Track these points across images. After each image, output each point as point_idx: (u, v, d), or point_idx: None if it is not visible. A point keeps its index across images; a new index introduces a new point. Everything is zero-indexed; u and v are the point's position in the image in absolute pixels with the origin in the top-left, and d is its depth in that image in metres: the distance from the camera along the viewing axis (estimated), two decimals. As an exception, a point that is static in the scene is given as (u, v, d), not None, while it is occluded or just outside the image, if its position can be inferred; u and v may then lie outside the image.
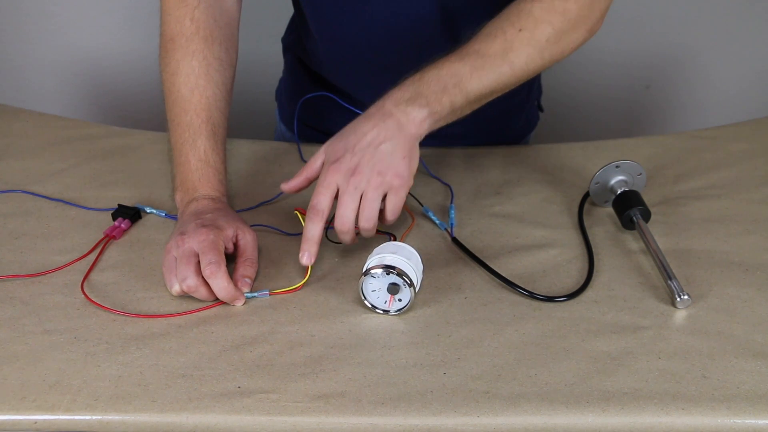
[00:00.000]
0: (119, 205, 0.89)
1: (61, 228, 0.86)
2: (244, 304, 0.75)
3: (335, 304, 0.75)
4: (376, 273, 0.72)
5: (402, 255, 0.73)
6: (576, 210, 0.90)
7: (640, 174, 0.88)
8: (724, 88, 1.78)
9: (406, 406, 0.63)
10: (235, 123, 0.91)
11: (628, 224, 0.85)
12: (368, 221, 0.75)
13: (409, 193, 0.91)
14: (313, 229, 0.75)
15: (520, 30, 0.77)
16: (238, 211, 0.87)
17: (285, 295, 0.76)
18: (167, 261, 0.75)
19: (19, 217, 0.88)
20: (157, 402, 0.64)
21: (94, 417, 0.63)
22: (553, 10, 0.78)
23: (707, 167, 0.99)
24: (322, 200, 0.75)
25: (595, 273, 0.79)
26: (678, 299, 0.74)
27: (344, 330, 0.72)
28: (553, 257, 0.82)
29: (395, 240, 0.82)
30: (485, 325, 0.72)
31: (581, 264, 0.81)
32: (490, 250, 0.83)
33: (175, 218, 0.87)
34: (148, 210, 0.89)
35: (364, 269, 0.73)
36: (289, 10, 1.06)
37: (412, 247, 0.76)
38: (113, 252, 0.83)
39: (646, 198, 0.86)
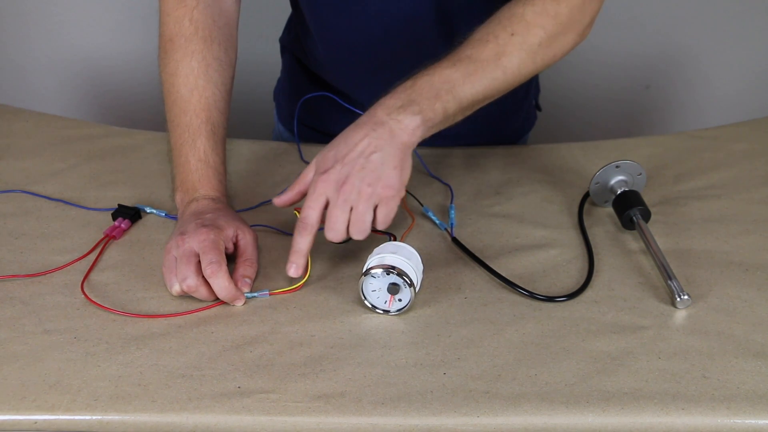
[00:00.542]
0: (119, 205, 0.89)
1: (61, 228, 0.86)
2: (244, 304, 0.75)
3: (335, 304, 0.75)
4: (376, 273, 0.72)
5: (402, 255, 0.73)
6: (576, 210, 0.90)
7: (640, 174, 0.88)
8: (724, 88, 1.78)
9: (406, 406, 0.63)
10: (234, 123, 0.91)
11: (628, 224, 0.85)
12: (360, 233, 0.74)
13: (410, 193, 0.92)
14: (301, 242, 0.74)
15: (513, 34, 0.77)
16: (238, 211, 0.87)
17: (285, 295, 0.76)
18: (167, 261, 0.75)
19: (19, 217, 0.88)
20: (157, 402, 0.64)
21: (94, 417, 0.63)
22: (545, 13, 0.77)
23: (707, 167, 0.99)
24: (311, 214, 0.74)
25: (595, 273, 0.79)
26: (678, 299, 0.74)
27: (344, 330, 0.72)
28: (553, 257, 0.82)
29: (395, 240, 0.81)
30: (485, 325, 0.72)
31: (581, 264, 0.81)
32: (490, 250, 0.83)
33: (175, 218, 0.87)
34: (148, 210, 0.89)
35: (364, 269, 0.73)
36: (287, 10, 1.06)
37: (412, 247, 0.76)
38: (113, 252, 0.83)
39: (646, 198, 0.86)
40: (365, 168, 0.72)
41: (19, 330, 0.71)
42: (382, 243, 0.77)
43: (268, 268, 0.80)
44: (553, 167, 0.99)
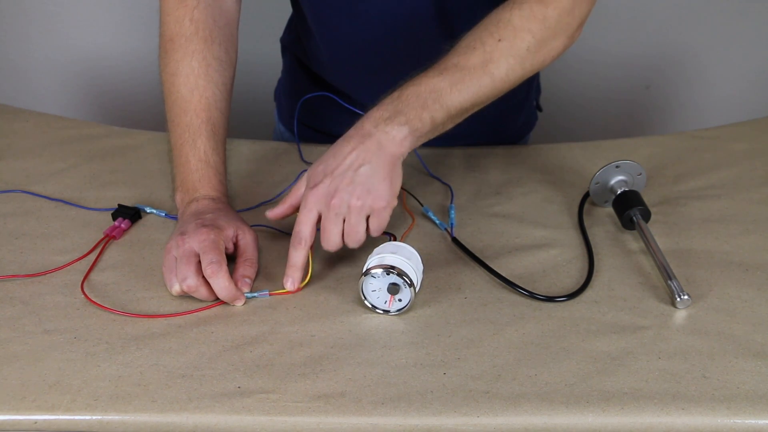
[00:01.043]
0: (119, 205, 0.89)
1: (61, 228, 0.86)
2: (244, 304, 0.75)
3: (335, 304, 0.75)
4: (376, 273, 0.72)
5: (402, 255, 0.73)
6: (576, 210, 0.90)
7: (640, 174, 0.88)
8: (724, 88, 1.78)
9: (406, 406, 0.63)
10: (234, 123, 0.91)
11: (628, 224, 0.85)
12: (354, 243, 0.75)
13: (409, 193, 0.92)
14: (296, 257, 0.75)
15: (500, 40, 0.76)
16: (238, 211, 0.87)
17: (285, 295, 0.76)
18: (167, 261, 0.75)
19: (19, 217, 0.88)
20: (157, 402, 0.64)
21: (94, 417, 0.63)
22: (533, 17, 0.76)
23: (707, 167, 0.99)
24: (303, 229, 0.74)
25: (595, 273, 0.79)
26: (678, 299, 0.74)
27: (344, 330, 0.72)
28: (553, 257, 0.82)
29: (395, 240, 0.82)
30: (485, 325, 0.72)
31: (581, 264, 0.81)
32: (490, 250, 0.83)
33: (175, 218, 0.87)
34: (148, 210, 0.89)
35: (364, 269, 0.73)
36: (287, 10, 1.06)
37: (413, 247, 0.76)
38: (113, 252, 0.83)
39: (646, 198, 0.86)
40: (354, 182, 0.73)
41: (19, 330, 0.71)
42: (382, 243, 0.77)
43: (268, 268, 0.80)
44: (553, 167, 0.99)
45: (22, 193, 0.92)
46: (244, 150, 1.03)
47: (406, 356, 0.69)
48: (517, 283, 0.77)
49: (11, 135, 1.05)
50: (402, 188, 0.78)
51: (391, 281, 0.72)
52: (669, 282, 0.75)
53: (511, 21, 0.76)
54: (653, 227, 0.85)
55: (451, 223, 0.86)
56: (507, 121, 1.10)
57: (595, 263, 0.80)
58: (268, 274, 0.79)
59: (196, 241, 0.74)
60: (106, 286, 0.77)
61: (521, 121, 1.12)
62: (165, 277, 0.75)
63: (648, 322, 0.73)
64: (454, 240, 0.84)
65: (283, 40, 1.14)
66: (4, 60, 1.75)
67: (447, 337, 0.71)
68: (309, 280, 0.77)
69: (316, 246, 0.82)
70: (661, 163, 1.00)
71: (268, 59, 1.29)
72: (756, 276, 0.79)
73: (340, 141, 0.76)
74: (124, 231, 0.86)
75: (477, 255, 0.81)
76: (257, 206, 0.91)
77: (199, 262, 0.73)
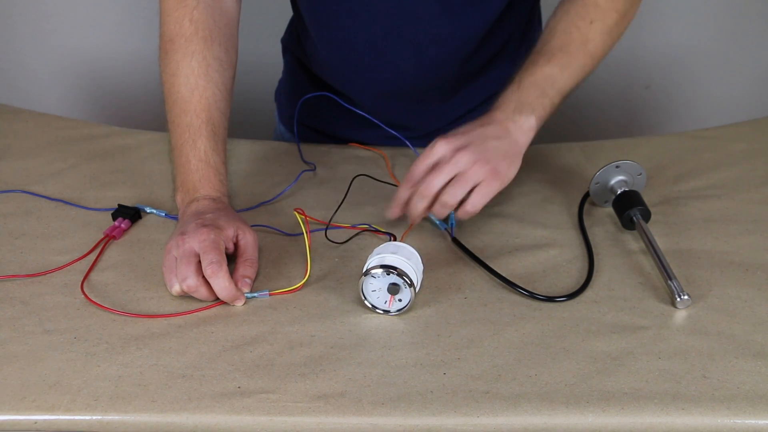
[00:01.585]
0: (119, 205, 0.89)
1: (61, 228, 0.86)
2: (244, 304, 0.75)
3: (335, 304, 0.75)
4: (376, 273, 0.72)
5: (402, 255, 0.73)
6: (576, 210, 0.90)
7: (640, 174, 0.88)
8: (724, 88, 1.78)
9: (406, 406, 0.63)
10: (235, 123, 0.91)
11: (628, 224, 0.85)
12: (444, 206, 0.78)
13: None
14: (403, 193, 0.80)
15: (592, 22, 0.83)
16: (238, 211, 0.87)
17: (285, 295, 0.76)
18: (167, 261, 0.75)
19: (19, 217, 0.88)
20: (157, 402, 0.64)
21: (94, 417, 0.63)
22: None
23: (707, 167, 0.99)
24: (420, 167, 0.79)
25: (595, 273, 0.79)
26: (678, 299, 0.74)
27: (344, 330, 0.72)
28: (553, 257, 0.82)
29: (395, 240, 0.82)
30: (485, 325, 0.72)
31: (581, 264, 0.81)
32: (490, 250, 0.83)
33: (175, 218, 0.87)
34: (148, 210, 0.89)
35: (365, 269, 0.73)
36: (289, 11, 1.06)
37: (413, 247, 0.76)
38: (113, 252, 0.83)
39: (646, 198, 0.86)
40: (483, 146, 0.78)
41: (19, 330, 0.71)
42: (382, 243, 0.77)
43: (268, 268, 0.80)
44: (553, 167, 0.99)
45: (22, 193, 0.92)
46: (244, 150, 1.03)
47: (406, 356, 0.69)
48: (517, 283, 0.77)
49: (11, 135, 1.05)
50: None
51: (391, 281, 0.72)
52: (669, 282, 0.75)
53: (598, 4, 0.84)
54: (653, 227, 0.85)
55: (452, 223, 0.86)
56: None
57: (595, 263, 0.80)
58: (268, 274, 0.79)
59: (197, 241, 0.74)
60: (106, 286, 0.77)
61: None
62: (165, 277, 0.75)
63: (648, 322, 0.73)
64: (454, 240, 0.84)
65: (283, 40, 1.14)
66: (5, 60, 1.75)
67: (447, 337, 0.71)
68: (307, 280, 0.77)
69: (314, 247, 0.83)
70: (661, 163, 1.00)
71: (269, 60, 1.29)
72: (756, 276, 0.79)
73: (471, 122, 0.82)
74: (124, 231, 0.86)
75: (477, 255, 0.81)
76: (257, 206, 0.91)
77: (200, 262, 0.73)
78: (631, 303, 0.75)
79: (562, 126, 1.61)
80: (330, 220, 0.86)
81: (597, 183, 0.88)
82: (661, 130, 1.84)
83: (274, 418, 0.63)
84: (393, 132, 0.97)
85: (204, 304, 0.74)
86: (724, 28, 1.70)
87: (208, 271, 0.72)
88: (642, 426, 0.63)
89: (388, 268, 0.71)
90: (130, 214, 0.87)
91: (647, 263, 0.81)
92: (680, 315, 0.74)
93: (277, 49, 1.15)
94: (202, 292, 0.73)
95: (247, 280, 0.76)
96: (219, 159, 0.84)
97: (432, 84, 0.99)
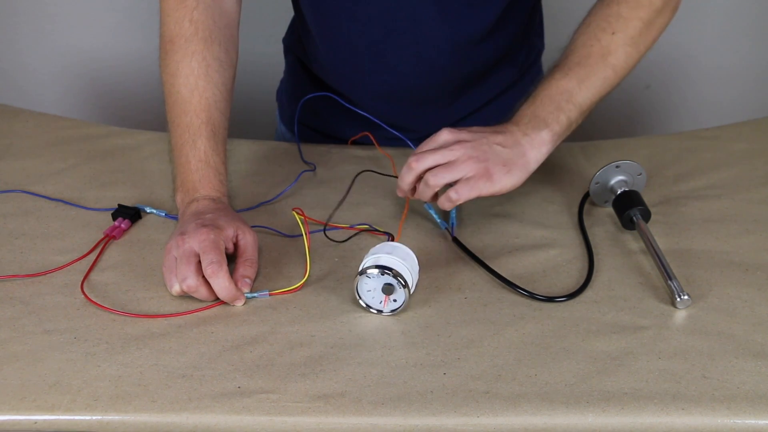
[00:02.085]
0: (119, 205, 0.89)
1: (61, 228, 0.86)
2: (244, 304, 0.75)
3: (335, 304, 0.75)
4: (371, 273, 0.72)
5: (397, 256, 0.73)
6: (576, 210, 0.90)
7: (640, 174, 0.88)
8: (724, 88, 1.78)
9: (406, 406, 0.63)
10: (236, 123, 0.91)
11: (628, 224, 0.85)
12: (428, 189, 0.78)
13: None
14: (406, 177, 0.80)
15: (614, 33, 0.81)
16: (238, 211, 0.87)
17: (285, 295, 0.76)
18: (167, 261, 0.75)
19: (19, 217, 0.88)
20: (157, 402, 0.64)
21: (94, 417, 0.63)
22: (640, 6, 0.82)
23: (707, 167, 0.99)
24: (422, 156, 0.78)
25: (595, 273, 0.79)
26: (678, 299, 0.74)
27: (344, 330, 0.72)
28: (553, 257, 0.82)
29: (393, 240, 0.82)
30: (485, 325, 0.72)
31: (581, 264, 0.81)
32: (490, 250, 0.83)
33: (175, 218, 0.87)
34: (148, 210, 0.89)
35: (360, 269, 0.73)
36: (290, 11, 1.06)
37: (412, 246, 0.76)
38: (113, 252, 0.83)
39: (646, 198, 0.86)
40: (485, 146, 0.77)
41: (19, 330, 0.71)
42: (379, 243, 0.77)
43: (268, 269, 0.80)
44: (553, 167, 0.99)
45: (22, 193, 0.92)
46: (245, 150, 1.03)
47: (406, 356, 0.69)
48: (517, 283, 0.77)
49: (11, 135, 1.05)
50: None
51: (386, 282, 0.72)
52: (669, 282, 0.75)
53: (621, 14, 0.82)
54: (653, 227, 0.85)
55: (452, 223, 0.86)
56: None
57: (595, 263, 0.80)
58: (268, 274, 0.79)
59: (197, 241, 0.74)
60: (106, 286, 0.77)
61: None
62: (165, 277, 0.75)
63: (648, 322, 0.73)
64: (455, 240, 0.84)
65: (285, 40, 1.14)
66: (5, 60, 1.75)
67: (447, 337, 0.71)
68: (307, 279, 0.77)
69: (314, 247, 0.83)
70: (661, 163, 1.00)
71: (270, 60, 1.29)
72: (756, 276, 0.79)
73: (485, 126, 0.81)
74: (124, 231, 0.86)
75: (477, 255, 0.81)
76: (257, 206, 0.91)
77: (199, 262, 0.73)
78: (631, 303, 0.75)
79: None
80: (328, 220, 0.86)
81: (597, 183, 0.88)
82: (661, 130, 1.84)
83: (274, 418, 0.63)
84: (394, 132, 0.97)
85: (204, 304, 0.74)
86: (724, 28, 1.69)
87: (208, 271, 0.72)
88: (642, 426, 0.63)
89: (383, 269, 0.71)
90: (130, 214, 0.87)
91: (647, 263, 0.81)
92: (680, 315, 0.74)
93: (279, 49, 1.15)
94: (202, 292, 0.73)
95: (247, 280, 0.76)
96: (219, 159, 0.84)
97: (432, 86, 0.99)
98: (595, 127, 1.82)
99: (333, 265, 0.80)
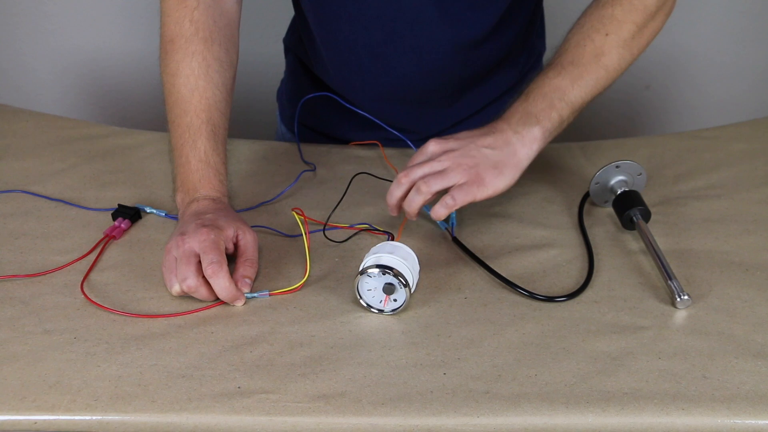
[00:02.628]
0: (119, 205, 0.89)
1: (61, 228, 0.86)
2: (244, 304, 0.75)
3: (335, 304, 0.75)
4: (372, 273, 0.72)
5: (398, 255, 0.73)
6: (576, 210, 0.90)
7: (640, 174, 0.88)
8: (724, 88, 1.78)
9: (406, 406, 0.63)
10: (236, 123, 0.91)
11: (628, 224, 0.85)
12: (427, 185, 0.76)
13: None
14: (396, 192, 0.79)
15: (607, 34, 0.81)
16: (238, 211, 0.87)
17: (285, 295, 0.76)
18: (167, 261, 0.75)
19: (19, 217, 0.88)
20: (157, 402, 0.64)
21: (94, 417, 0.63)
22: (633, 9, 0.82)
23: (707, 167, 0.99)
24: (412, 170, 0.78)
25: (595, 273, 0.79)
26: (678, 299, 0.74)
27: (344, 330, 0.72)
28: (553, 257, 0.82)
29: (393, 239, 0.82)
30: (485, 325, 0.72)
31: (581, 264, 0.81)
32: (490, 250, 0.83)
33: (175, 218, 0.87)
34: (148, 210, 0.89)
35: (361, 268, 0.73)
36: (290, 11, 1.06)
37: (412, 246, 0.76)
38: (113, 252, 0.83)
39: (646, 198, 0.86)
40: (471, 155, 0.77)
41: (19, 330, 0.71)
42: (379, 243, 0.77)
43: (268, 269, 0.80)
44: (553, 167, 0.99)
45: (22, 193, 0.92)
46: (245, 150, 1.03)
47: (406, 356, 0.69)
48: (517, 283, 0.77)
49: (11, 135, 1.05)
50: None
51: (387, 281, 0.72)
52: (669, 282, 0.75)
53: (615, 16, 0.82)
54: (653, 227, 0.85)
55: (452, 223, 0.86)
56: None
57: (595, 263, 0.80)
58: (268, 274, 0.79)
59: (197, 241, 0.74)
60: (106, 286, 0.77)
61: None
62: (165, 278, 0.75)
63: (648, 322, 0.73)
64: (455, 240, 0.84)
65: (285, 41, 1.14)
66: (5, 60, 1.75)
67: (447, 337, 0.71)
68: (307, 279, 0.77)
69: (314, 247, 0.83)
70: (661, 163, 1.00)
71: (270, 60, 1.29)
72: (756, 276, 0.79)
73: (473, 129, 0.81)
74: (124, 231, 0.86)
75: (477, 255, 0.81)
76: (257, 206, 0.91)
77: (200, 262, 0.73)
78: (631, 303, 0.75)
79: (562, 126, 1.61)
80: (327, 220, 0.86)
81: (597, 183, 0.88)
82: (661, 130, 1.84)
83: (274, 418, 0.63)
84: (395, 132, 0.97)
85: (204, 304, 0.74)
86: (724, 28, 1.69)
87: (208, 271, 0.72)
88: (642, 426, 0.63)
89: (384, 268, 0.71)
90: (130, 214, 0.87)
91: (647, 263, 0.81)
92: (680, 315, 0.74)
93: (279, 49, 1.15)
94: (202, 292, 0.73)
95: (247, 280, 0.76)
96: (219, 159, 0.84)
97: (432, 88, 0.99)
98: (595, 127, 1.82)
99: (333, 265, 0.80)
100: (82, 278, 0.77)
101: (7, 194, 0.92)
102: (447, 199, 0.77)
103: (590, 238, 0.84)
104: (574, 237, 0.86)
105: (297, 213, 0.82)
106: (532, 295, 0.75)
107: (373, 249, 0.75)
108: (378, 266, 0.71)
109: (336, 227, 0.86)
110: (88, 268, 0.79)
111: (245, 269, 0.76)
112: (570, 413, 0.63)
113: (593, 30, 0.82)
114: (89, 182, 0.95)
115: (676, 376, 0.66)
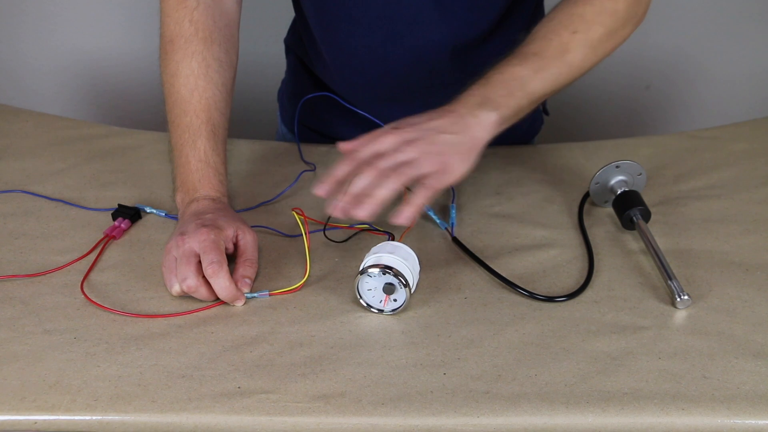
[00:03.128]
0: (119, 205, 0.89)
1: (61, 228, 0.86)
2: (244, 304, 0.75)
3: (335, 304, 0.75)
4: (372, 272, 0.72)
5: (399, 255, 0.73)
6: (576, 210, 0.90)
7: (640, 174, 0.88)
8: (724, 88, 1.78)
9: (406, 406, 0.63)
10: (236, 123, 0.91)
11: (628, 224, 0.85)
12: (376, 198, 0.69)
13: (410, 190, 0.91)
14: (340, 170, 0.72)
15: (575, 32, 0.81)
16: (238, 211, 0.87)
17: (285, 295, 0.76)
18: (167, 261, 0.75)
19: (19, 217, 0.88)
20: (157, 402, 0.64)
21: (94, 417, 0.63)
22: (604, 12, 0.81)
23: (707, 167, 0.99)
24: (364, 151, 0.72)
25: (595, 273, 0.79)
26: (678, 299, 0.74)
27: (344, 330, 0.72)
28: (553, 257, 0.82)
29: (394, 240, 0.82)
30: (485, 325, 0.72)
31: (581, 264, 0.81)
32: (490, 250, 0.83)
33: (175, 218, 0.87)
34: (148, 210, 0.89)
35: (361, 268, 0.73)
36: (290, 11, 1.06)
37: (412, 246, 0.76)
38: (113, 252, 0.83)
39: (646, 198, 0.86)
40: (434, 142, 0.73)
41: (19, 330, 0.71)
42: (379, 242, 0.77)
43: (268, 269, 0.80)
44: (553, 167, 0.99)
45: (22, 193, 0.92)
46: (245, 150, 1.03)
47: (406, 356, 0.69)
48: (517, 283, 0.77)
49: (11, 135, 1.05)
50: (405, 187, 0.77)
51: (387, 281, 0.72)
52: (669, 282, 0.75)
53: (584, 15, 0.81)
54: (653, 227, 0.85)
55: (452, 223, 0.86)
56: (512, 128, 1.10)
57: (595, 263, 0.80)
58: (267, 274, 0.79)
59: (197, 241, 0.74)
60: (106, 286, 0.77)
61: (527, 125, 1.12)
62: (165, 277, 0.75)
63: (648, 322, 0.73)
64: (455, 240, 0.84)
65: (286, 41, 1.14)
66: (5, 60, 1.75)
67: (447, 337, 0.71)
68: (307, 279, 0.77)
69: (314, 247, 0.83)
70: (661, 163, 1.00)
71: (271, 60, 1.29)
72: (756, 276, 0.79)
73: (429, 112, 0.77)
74: (124, 231, 0.86)
75: (477, 255, 0.81)
76: (257, 206, 0.91)
77: (200, 262, 0.73)
78: (631, 303, 0.75)
79: (562, 126, 1.61)
80: (327, 220, 0.86)
81: (597, 183, 0.88)
82: (661, 130, 1.84)
83: (274, 418, 0.63)
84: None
85: (204, 304, 0.74)
86: (724, 28, 1.70)
87: (208, 271, 0.72)
88: (642, 426, 0.63)
89: (384, 268, 0.71)
90: (130, 214, 0.87)
91: (647, 263, 0.81)
92: (680, 315, 0.74)
93: (280, 49, 1.15)
94: (202, 292, 0.73)
95: (247, 280, 0.76)
96: (219, 159, 0.84)
97: (432, 89, 0.99)
98: (595, 127, 1.82)
99: (333, 265, 0.80)
100: (82, 278, 0.77)
101: (7, 194, 0.92)
102: (422, 188, 0.72)
103: (590, 238, 0.84)
104: (574, 237, 0.86)
105: (297, 213, 0.82)
106: (532, 295, 0.75)
107: (374, 249, 0.75)
108: (378, 266, 0.71)
109: (336, 227, 0.86)
110: (88, 268, 0.79)
111: (245, 269, 0.76)
112: (570, 413, 0.63)
113: (561, 26, 0.82)
114: (89, 182, 0.95)
115: (676, 376, 0.66)
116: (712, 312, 0.74)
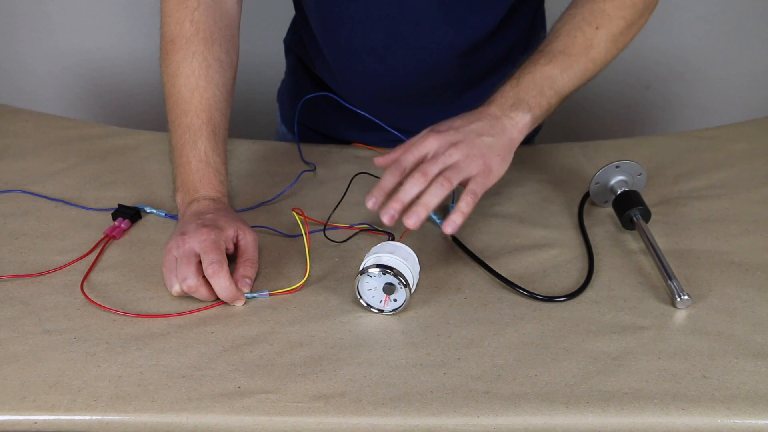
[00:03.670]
0: (119, 205, 0.89)
1: (61, 228, 0.86)
2: (244, 304, 0.75)
3: (335, 304, 0.75)
4: (372, 272, 0.72)
5: (399, 255, 0.73)
6: (576, 210, 0.90)
7: (640, 174, 0.88)
8: (724, 88, 1.78)
9: (406, 406, 0.63)
10: (236, 123, 0.91)
11: (628, 224, 0.85)
12: (426, 205, 0.73)
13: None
14: (388, 180, 0.76)
15: (597, 28, 0.83)
16: (238, 211, 0.87)
17: (285, 295, 0.76)
18: (167, 261, 0.75)
19: (19, 217, 0.88)
20: (157, 402, 0.64)
21: (94, 417, 0.63)
22: (624, 6, 0.84)
23: (707, 167, 0.99)
24: (408, 158, 0.76)
25: (595, 273, 0.79)
26: (678, 299, 0.74)
27: (344, 330, 0.72)
28: (553, 257, 0.82)
29: (394, 240, 0.82)
30: (485, 325, 0.72)
31: (581, 264, 0.81)
32: (490, 250, 0.83)
33: (175, 218, 0.87)
34: (148, 210, 0.89)
35: (361, 268, 0.73)
36: (291, 11, 1.06)
37: (412, 246, 0.76)
38: (113, 252, 0.83)
39: (646, 198, 0.86)
40: (476, 142, 0.76)
41: (19, 330, 0.71)
42: (379, 242, 0.77)
43: (268, 269, 0.80)
44: (553, 167, 0.99)
45: (22, 193, 0.92)
46: (245, 150, 1.03)
47: (406, 356, 0.69)
48: (517, 283, 0.77)
49: (11, 135, 1.05)
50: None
51: (387, 281, 0.72)
52: (669, 282, 0.75)
53: (606, 10, 0.83)
54: (653, 227, 0.85)
55: (451, 223, 0.86)
56: None
57: (595, 263, 0.80)
58: (268, 274, 0.79)
59: (197, 241, 0.74)
60: (106, 286, 0.77)
61: None
62: (165, 277, 0.75)
63: (648, 322, 0.73)
64: (455, 240, 0.84)
65: (286, 41, 1.14)
66: (5, 60, 1.75)
67: (447, 337, 0.71)
68: (307, 279, 0.77)
69: (314, 247, 0.83)
70: (661, 163, 1.00)
71: (271, 60, 1.29)
72: (756, 276, 0.79)
73: (465, 114, 0.80)
74: (124, 231, 0.86)
75: (477, 255, 0.81)
76: (257, 206, 0.91)
77: (200, 262, 0.73)
78: (631, 303, 0.75)
79: (562, 126, 1.61)
80: (327, 220, 0.86)
81: (597, 183, 0.88)
82: (661, 130, 1.84)
83: (274, 418, 0.63)
84: (395, 133, 0.97)
85: (204, 304, 0.74)
86: (724, 28, 1.70)
87: (209, 271, 0.72)
88: (642, 426, 0.63)
89: (384, 268, 0.71)
90: (130, 214, 0.87)
91: (647, 263, 0.81)
92: (680, 315, 0.74)
93: (280, 49, 1.15)
94: (202, 292, 0.73)
95: (247, 280, 0.76)
96: (219, 159, 0.84)
97: (434, 89, 0.99)
98: (595, 127, 1.82)
99: (333, 265, 0.80)
100: (82, 278, 0.77)
101: (7, 194, 0.92)
102: (467, 195, 0.76)
103: (590, 238, 0.84)
104: (574, 237, 0.86)
105: (297, 213, 0.82)
106: (532, 295, 0.75)
107: (374, 249, 0.75)
108: (378, 266, 0.71)
109: (336, 227, 0.86)
110: (88, 268, 0.79)
111: (245, 269, 0.76)
112: (570, 413, 0.63)
113: (585, 22, 0.83)
114: (89, 182, 0.95)
115: (676, 376, 0.66)
116: (712, 312, 0.74)
